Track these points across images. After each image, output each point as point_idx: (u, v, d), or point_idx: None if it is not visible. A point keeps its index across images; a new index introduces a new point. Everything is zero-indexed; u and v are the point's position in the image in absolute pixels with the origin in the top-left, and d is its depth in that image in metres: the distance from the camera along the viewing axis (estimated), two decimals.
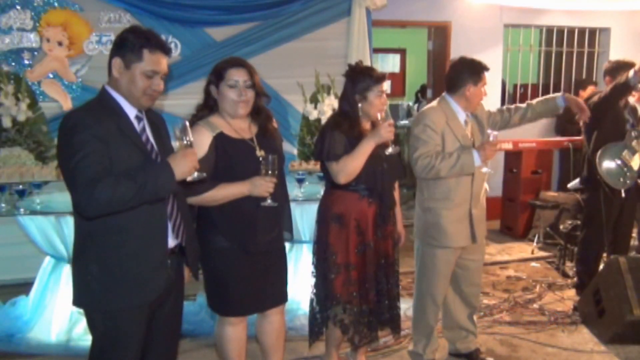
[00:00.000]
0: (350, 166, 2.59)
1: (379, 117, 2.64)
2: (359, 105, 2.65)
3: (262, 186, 2.34)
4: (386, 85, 2.70)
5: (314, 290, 2.78)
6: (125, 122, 1.94)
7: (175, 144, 1.99)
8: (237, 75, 2.41)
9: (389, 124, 2.59)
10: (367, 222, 2.69)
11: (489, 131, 2.86)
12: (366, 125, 2.72)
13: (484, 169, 2.89)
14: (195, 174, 1.93)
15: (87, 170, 1.79)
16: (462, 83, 2.90)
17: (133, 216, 1.90)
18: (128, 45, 1.92)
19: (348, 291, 2.67)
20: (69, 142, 1.84)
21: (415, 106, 8.81)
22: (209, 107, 2.46)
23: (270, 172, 2.33)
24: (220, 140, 2.38)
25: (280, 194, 2.52)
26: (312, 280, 2.79)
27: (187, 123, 1.97)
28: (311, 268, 2.80)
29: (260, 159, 2.37)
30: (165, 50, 1.99)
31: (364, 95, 2.64)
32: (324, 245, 2.69)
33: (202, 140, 2.34)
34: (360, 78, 2.64)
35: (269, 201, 2.38)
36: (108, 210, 1.81)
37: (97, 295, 1.95)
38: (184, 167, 1.87)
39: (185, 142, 1.93)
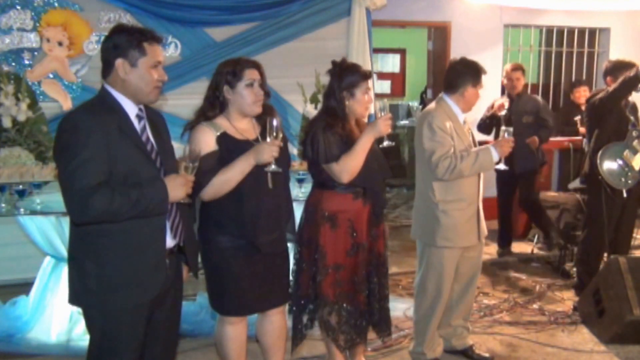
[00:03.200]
0: (352, 164, 2.57)
1: (377, 113, 2.62)
2: (346, 102, 2.63)
3: (266, 151, 2.30)
4: (371, 83, 2.71)
5: (297, 292, 2.72)
6: (125, 122, 1.95)
7: (181, 163, 2.03)
8: (254, 75, 2.43)
9: (387, 118, 2.57)
10: (362, 223, 2.67)
11: (503, 128, 2.94)
12: (352, 122, 2.70)
13: (501, 166, 2.94)
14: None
15: (84, 178, 1.80)
16: (462, 83, 2.91)
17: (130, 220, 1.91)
18: (126, 44, 1.93)
19: (335, 292, 2.64)
20: (69, 143, 1.84)
21: (421, 107, 8.82)
22: (217, 107, 2.44)
23: (274, 135, 2.30)
24: (224, 140, 2.37)
25: (284, 194, 2.53)
26: (293, 280, 2.73)
27: (199, 150, 2.05)
28: (292, 269, 2.73)
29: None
30: (158, 39, 2.01)
31: (351, 92, 2.61)
32: (314, 247, 2.64)
33: (208, 138, 2.35)
34: (347, 75, 2.62)
35: (273, 167, 2.34)
36: (98, 221, 1.86)
37: (94, 293, 1.95)
38: (179, 193, 1.96)
39: (190, 166, 2.00)
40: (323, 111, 2.70)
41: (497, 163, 2.93)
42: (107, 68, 1.97)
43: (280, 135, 2.34)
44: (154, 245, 1.99)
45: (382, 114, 2.60)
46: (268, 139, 2.32)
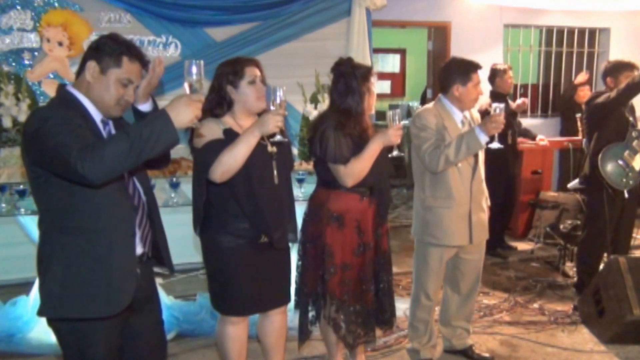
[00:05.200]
0: (358, 170, 2.57)
1: (389, 122, 2.60)
2: (365, 98, 2.62)
3: (270, 121, 2.24)
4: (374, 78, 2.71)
5: (303, 289, 2.73)
6: (92, 125, 1.87)
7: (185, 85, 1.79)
8: (254, 72, 2.43)
9: (399, 128, 2.57)
10: (367, 223, 2.67)
11: (494, 105, 2.75)
12: (364, 120, 2.69)
13: (494, 145, 2.80)
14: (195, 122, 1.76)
15: (75, 139, 1.68)
16: (450, 83, 2.90)
17: (103, 219, 1.84)
18: (107, 50, 1.86)
19: (342, 291, 2.64)
20: (44, 127, 1.72)
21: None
22: (224, 106, 2.43)
23: (278, 104, 2.24)
24: (229, 136, 2.35)
25: (286, 192, 2.53)
26: (298, 278, 2.74)
27: (202, 62, 1.80)
28: (297, 265, 2.76)
29: (273, 147, 2.38)
30: (144, 62, 1.94)
31: (368, 87, 2.63)
32: (320, 245, 2.65)
33: (215, 128, 2.34)
34: (361, 71, 2.63)
35: (278, 137, 2.32)
36: (112, 167, 1.66)
37: (58, 300, 1.83)
38: (185, 116, 1.70)
39: (194, 83, 1.77)
40: (335, 109, 2.66)
41: (490, 142, 2.78)
42: (81, 67, 1.90)
43: (285, 104, 2.29)
44: (125, 250, 1.90)
45: (394, 123, 2.58)
46: (272, 108, 2.27)
